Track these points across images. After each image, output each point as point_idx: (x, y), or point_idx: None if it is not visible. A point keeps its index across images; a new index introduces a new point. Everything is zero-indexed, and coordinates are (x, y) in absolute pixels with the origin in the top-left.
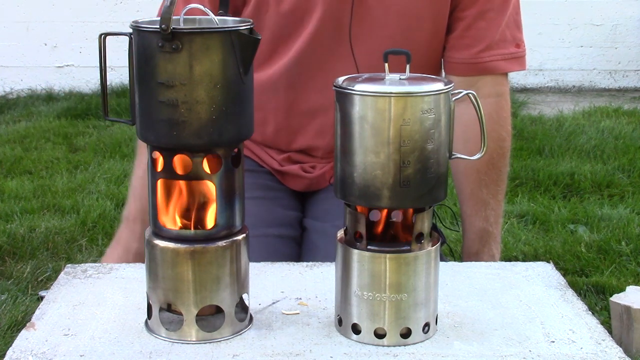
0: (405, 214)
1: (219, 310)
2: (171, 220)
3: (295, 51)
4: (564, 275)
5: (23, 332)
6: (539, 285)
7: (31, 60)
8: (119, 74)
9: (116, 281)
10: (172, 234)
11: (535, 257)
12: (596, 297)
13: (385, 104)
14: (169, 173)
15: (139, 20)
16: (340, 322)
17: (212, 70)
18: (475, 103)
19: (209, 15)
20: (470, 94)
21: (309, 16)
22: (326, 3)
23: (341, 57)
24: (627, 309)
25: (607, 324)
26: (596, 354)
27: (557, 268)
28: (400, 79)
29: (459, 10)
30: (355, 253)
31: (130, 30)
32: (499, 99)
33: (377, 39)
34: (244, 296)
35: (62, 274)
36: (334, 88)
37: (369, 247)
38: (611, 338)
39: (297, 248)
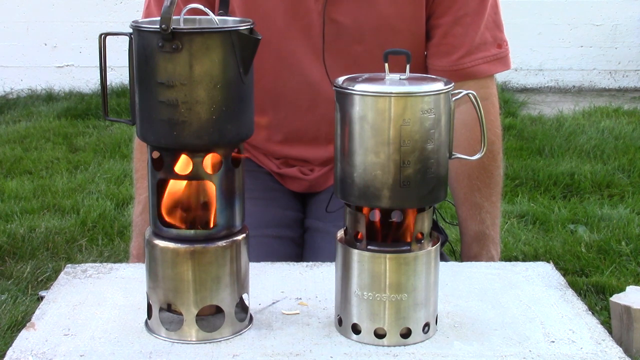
0: (405, 214)
1: (219, 310)
2: (171, 220)
3: (271, 73)
4: (564, 275)
5: (23, 332)
6: (539, 285)
7: (31, 60)
8: (119, 74)
9: (116, 281)
10: (172, 234)
11: (535, 257)
12: (596, 297)
13: (385, 104)
14: (169, 173)
15: (139, 20)
16: (340, 322)
17: (212, 70)
18: (475, 103)
19: (209, 15)
20: (470, 94)
21: (279, 36)
22: (294, 26)
23: (318, 76)
24: (627, 309)
25: (607, 324)
26: (596, 354)
27: (557, 268)
28: (400, 79)
29: (434, 18)
30: (355, 253)
31: (130, 30)
32: (485, 102)
33: (353, 55)
34: (244, 296)
35: (62, 274)
36: (334, 88)
37: (369, 247)
38: (611, 338)
39: (296, 248)
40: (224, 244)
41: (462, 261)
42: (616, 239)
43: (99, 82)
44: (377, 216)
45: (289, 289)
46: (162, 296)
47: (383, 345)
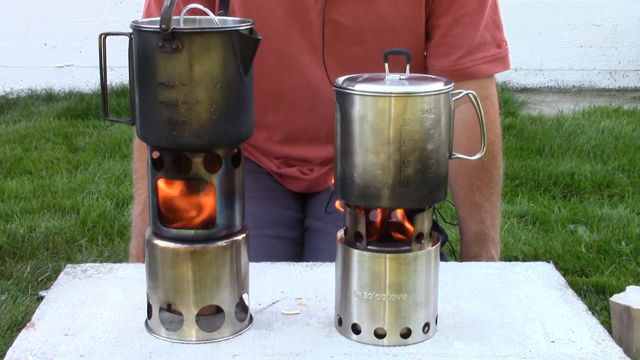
0: (405, 214)
1: (219, 310)
2: (171, 220)
3: (271, 73)
4: (564, 275)
5: (23, 332)
6: (539, 285)
7: (31, 60)
8: (119, 74)
9: (116, 281)
10: (172, 234)
11: (535, 257)
12: (596, 297)
13: (385, 104)
14: (169, 173)
15: (139, 20)
16: (340, 322)
17: (212, 70)
18: (475, 103)
19: (209, 15)
20: (470, 94)
21: (279, 37)
22: (294, 26)
23: (317, 76)
24: (627, 309)
25: (607, 324)
26: (596, 354)
27: (557, 268)
28: (400, 79)
29: (434, 19)
30: (355, 253)
31: (130, 30)
32: (485, 102)
33: (353, 55)
34: (244, 296)
35: (62, 274)
36: (334, 88)
37: (369, 247)
38: (611, 338)
39: (296, 248)
40: (224, 244)
41: (462, 261)
42: (616, 239)
43: (99, 82)
44: (377, 216)
45: (289, 289)
46: (162, 296)
47: (383, 345)
